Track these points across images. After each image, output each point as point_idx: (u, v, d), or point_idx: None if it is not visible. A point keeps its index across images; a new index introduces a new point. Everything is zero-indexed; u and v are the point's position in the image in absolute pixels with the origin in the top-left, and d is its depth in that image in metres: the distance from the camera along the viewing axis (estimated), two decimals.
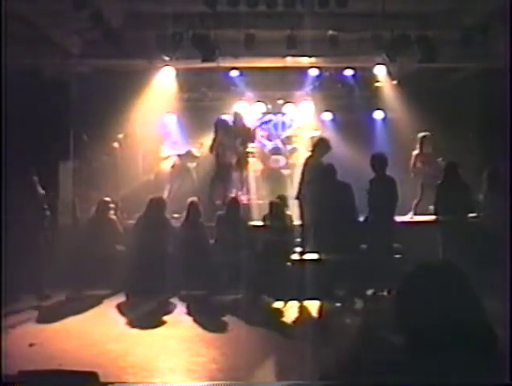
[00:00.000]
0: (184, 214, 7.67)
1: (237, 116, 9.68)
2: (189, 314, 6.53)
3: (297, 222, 7.76)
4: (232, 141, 8.81)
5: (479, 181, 7.79)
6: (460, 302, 1.47)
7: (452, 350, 1.42)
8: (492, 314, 1.56)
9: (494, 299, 3.28)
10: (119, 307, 6.77)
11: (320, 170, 7.51)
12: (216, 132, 8.72)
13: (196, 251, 7.17)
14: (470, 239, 6.91)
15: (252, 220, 8.42)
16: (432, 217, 7.66)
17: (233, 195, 8.90)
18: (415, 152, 9.16)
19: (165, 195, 9.42)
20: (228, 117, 10.16)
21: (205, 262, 7.12)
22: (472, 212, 7.53)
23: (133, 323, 6.06)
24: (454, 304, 1.47)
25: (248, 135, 9.49)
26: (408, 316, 1.51)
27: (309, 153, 8.04)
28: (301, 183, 7.75)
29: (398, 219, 7.65)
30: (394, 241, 7.33)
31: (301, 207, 7.66)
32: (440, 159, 9.23)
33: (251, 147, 10.62)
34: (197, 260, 7.08)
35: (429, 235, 7.38)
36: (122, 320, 6.26)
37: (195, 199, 7.81)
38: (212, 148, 8.78)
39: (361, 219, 7.48)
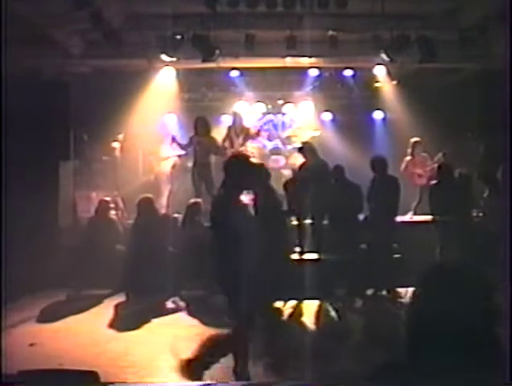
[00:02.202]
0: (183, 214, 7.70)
1: (236, 116, 9.71)
2: (189, 313, 6.54)
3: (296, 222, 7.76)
4: (210, 140, 8.81)
5: (479, 181, 7.79)
6: (473, 304, 1.47)
7: (456, 350, 1.42)
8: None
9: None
10: (119, 307, 6.78)
11: (320, 170, 7.54)
12: (195, 129, 8.72)
13: (195, 250, 7.17)
14: (467, 239, 6.91)
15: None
16: (429, 217, 7.66)
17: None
18: (408, 157, 9.27)
19: (165, 195, 9.44)
20: (228, 117, 10.20)
21: (205, 262, 7.12)
22: (468, 212, 7.52)
23: (132, 322, 6.06)
24: (466, 305, 1.46)
25: (246, 135, 9.52)
26: (421, 317, 1.51)
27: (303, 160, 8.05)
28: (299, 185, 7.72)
29: (398, 219, 7.66)
30: (394, 241, 7.35)
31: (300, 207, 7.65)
32: (440, 155, 9.25)
33: (251, 147, 10.66)
34: (196, 259, 7.08)
35: (427, 235, 7.38)
36: (122, 319, 6.27)
37: (199, 200, 7.81)
38: (189, 145, 8.79)
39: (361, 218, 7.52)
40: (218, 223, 4.11)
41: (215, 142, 8.89)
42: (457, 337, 1.43)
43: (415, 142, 9.32)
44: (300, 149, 8.17)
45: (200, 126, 8.67)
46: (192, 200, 7.78)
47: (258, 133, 9.87)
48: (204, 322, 6.09)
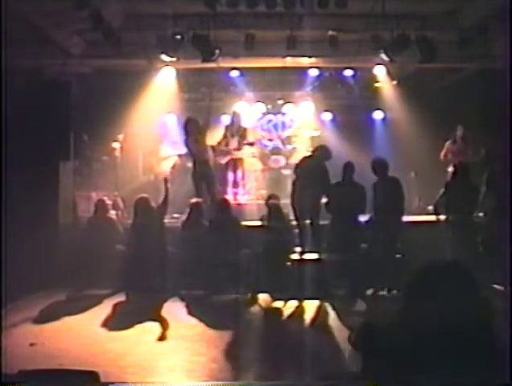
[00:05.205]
0: (185, 214, 7.68)
1: (235, 116, 9.71)
2: (189, 313, 6.54)
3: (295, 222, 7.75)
4: (205, 139, 8.80)
5: (479, 181, 7.78)
6: (466, 302, 1.47)
7: (454, 350, 1.42)
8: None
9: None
10: (119, 306, 6.78)
11: (320, 171, 7.53)
12: (186, 131, 8.68)
13: (195, 250, 7.18)
14: (475, 239, 6.91)
15: (249, 220, 8.43)
16: (433, 217, 7.62)
17: (219, 194, 8.89)
18: (449, 142, 9.13)
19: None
20: (228, 118, 10.21)
21: (205, 261, 7.13)
22: (478, 213, 7.50)
23: (132, 322, 6.06)
24: (459, 303, 1.46)
25: (242, 137, 9.52)
26: (413, 315, 1.51)
27: (308, 154, 8.03)
28: (298, 184, 7.70)
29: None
30: (398, 241, 7.35)
31: (294, 207, 7.62)
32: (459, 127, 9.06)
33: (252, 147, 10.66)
34: (197, 259, 7.09)
35: (432, 235, 7.35)
36: (122, 319, 6.27)
37: (199, 199, 7.79)
38: (187, 146, 8.78)
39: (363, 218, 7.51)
40: None
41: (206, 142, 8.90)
42: (451, 336, 1.43)
43: (461, 129, 9.04)
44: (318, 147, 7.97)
45: (190, 126, 8.60)
46: (194, 200, 7.73)
47: (254, 140, 9.86)
48: (204, 321, 6.09)
